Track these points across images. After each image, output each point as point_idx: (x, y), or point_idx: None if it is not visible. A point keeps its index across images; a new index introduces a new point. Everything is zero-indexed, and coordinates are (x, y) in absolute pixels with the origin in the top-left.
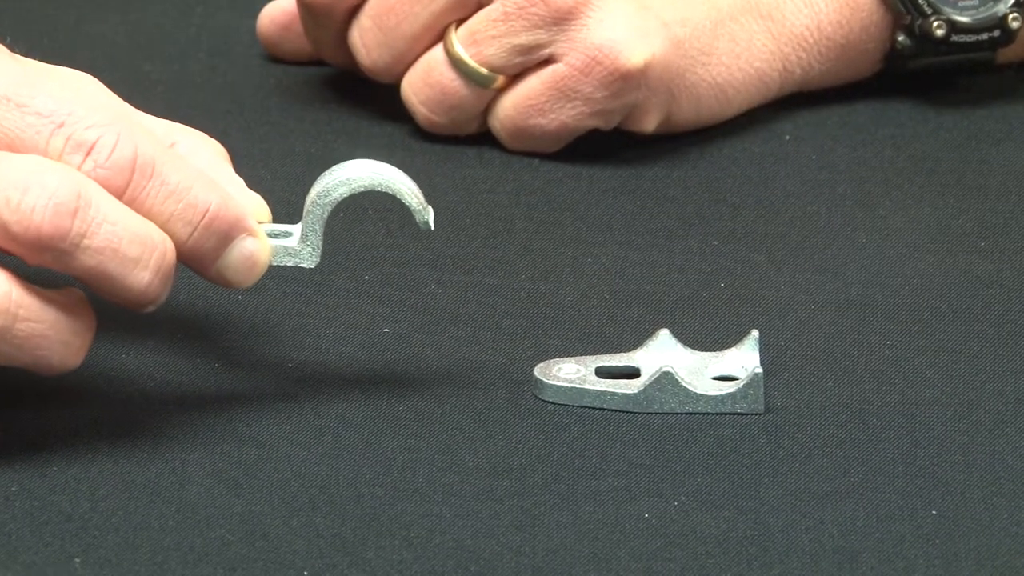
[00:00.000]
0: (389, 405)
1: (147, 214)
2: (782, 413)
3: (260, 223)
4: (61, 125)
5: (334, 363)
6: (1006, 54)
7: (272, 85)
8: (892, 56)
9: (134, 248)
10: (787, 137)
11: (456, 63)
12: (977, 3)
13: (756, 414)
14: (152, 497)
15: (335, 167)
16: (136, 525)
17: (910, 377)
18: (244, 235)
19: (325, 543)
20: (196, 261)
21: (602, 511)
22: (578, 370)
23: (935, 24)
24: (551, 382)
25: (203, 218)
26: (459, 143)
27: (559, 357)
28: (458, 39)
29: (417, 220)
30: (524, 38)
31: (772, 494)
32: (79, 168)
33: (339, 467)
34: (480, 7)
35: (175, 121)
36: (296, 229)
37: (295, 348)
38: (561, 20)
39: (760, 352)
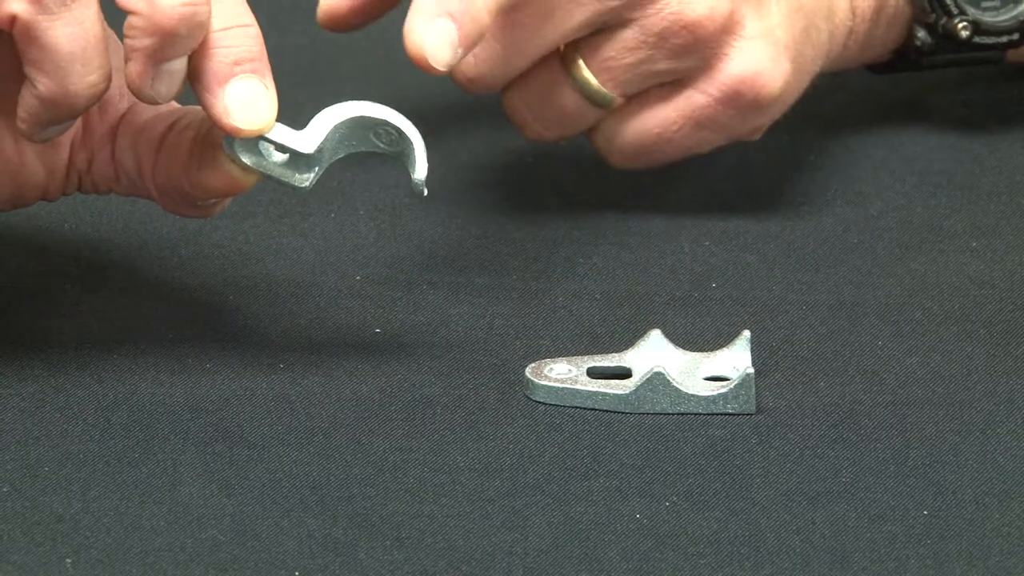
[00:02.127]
0: (380, 406)
1: None
2: (773, 413)
3: None
4: None
5: (325, 364)
6: (1013, 55)
7: None
8: (908, 51)
9: (94, 48)
10: (780, 138)
11: (582, 86)
12: (999, 4)
13: (747, 414)
14: (143, 498)
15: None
16: (127, 526)
17: (901, 377)
18: (258, 77)
19: (316, 544)
20: (214, 67)
21: (593, 511)
22: (570, 370)
23: (960, 25)
24: (543, 382)
25: (246, 25)
26: (451, 144)
27: (551, 357)
28: (586, 64)
29: (416, 173)
30: (663, 65)
31: (763, 494)
32: None
33: (330, 467)
34: (607, 31)
35: None
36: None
37: (286, 349)
38: (704, 47)
39: (751, 352)
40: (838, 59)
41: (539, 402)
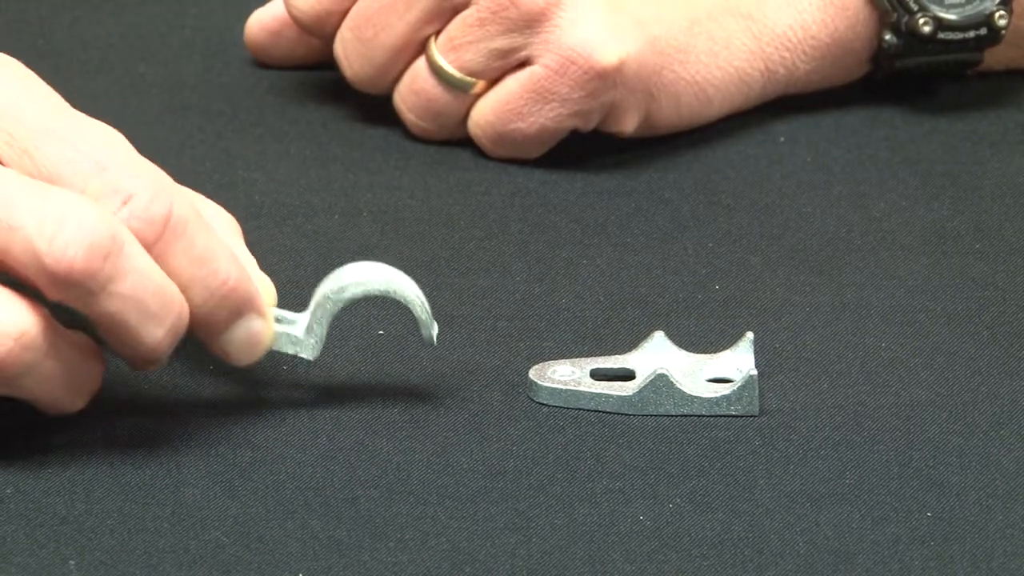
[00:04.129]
0: (384, 407)
1: (169, 273)
2: (777, 415)
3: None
4: (104, 169)
5: (329, 365)
6: (994, 59)
7: (267, 87)
8: (879, 56)
9: (155, 302)
10: (781, 139)
11: (436, 70)
12: (963, 0)
13: (751, 416)
14: (147, 499)
15: (350, 265)
16: (131, 527)
17: (905, 379)
18: (253, 314)
19: (320, 545)
20: (203, 329)
21: (597, 513)
22: (573, 372)
23: (921, 21)
24: (546, 384)
25: (220, 288)
26: (453, 145)
27: (554, 359)
28: (437, 47)
29: (423, 334)
30: (500, 42)
31: (767, 496)
32: (114, 214)
33: (334, 469)
34: (456, 15)
35: (169, 124)
36: (302, 318)
37: None
38: (533, 22)
39: (755, 354)
40: (802, 63)
41: (542, 404)
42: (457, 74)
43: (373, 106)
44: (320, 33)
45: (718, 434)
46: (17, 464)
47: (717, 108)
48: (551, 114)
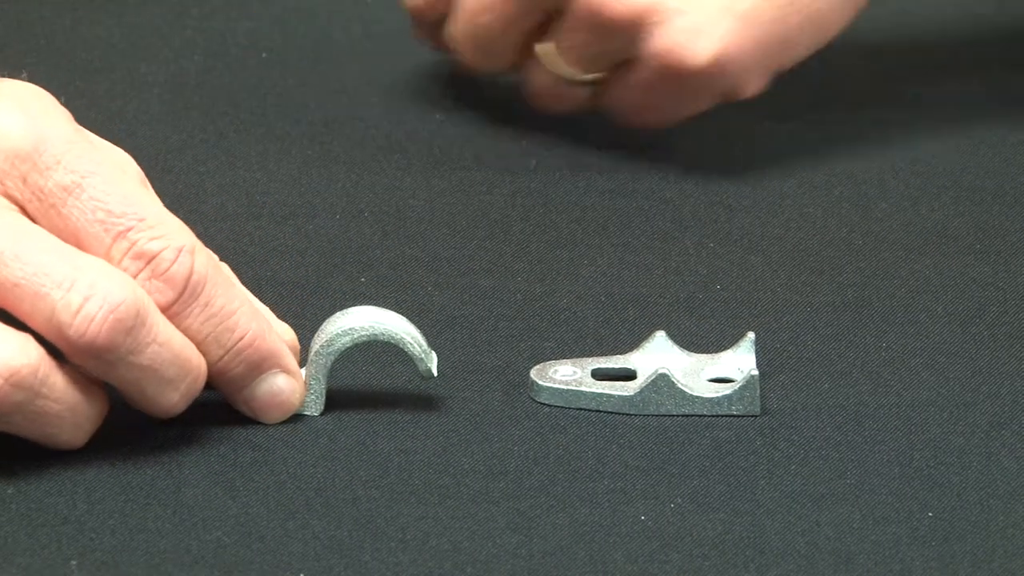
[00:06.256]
0: (385, 407)
1: (185, 330)
2: (778, 415)
3: None
4: (129, 230)
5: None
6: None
7: (268, 87)
8: None
9: (172, 370)
10: (783, 140)
11: (555, 69)
12: None
13: (752, 416)
14: (148, 499)
15: (339, 314)
16: (132, 528)
17: (906, 379)
18: (276, 370)
19: (321, 545)
20: (223, 384)
21: (598, 513)
22: (574, 372)
23: None
24: (547, 384)
25: (236, 343)
26: (454, 145)
27: (555, 359)
28: (545, 49)
29: (420, 369)
30: (599, 47)
31: (768, 496)
32: (135, 275)
33: (335, 469)
34: (557, 16)
35: (170, 124)
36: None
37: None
38: (624, 29)
39: (756, 354)
40: None
41: (544, 404)
42: (568, 69)
43: (374, 106)
44: (430, 19)
45: (719, 434)
46: (18, 464)
47: (837, 24)
48: (679, 106)
